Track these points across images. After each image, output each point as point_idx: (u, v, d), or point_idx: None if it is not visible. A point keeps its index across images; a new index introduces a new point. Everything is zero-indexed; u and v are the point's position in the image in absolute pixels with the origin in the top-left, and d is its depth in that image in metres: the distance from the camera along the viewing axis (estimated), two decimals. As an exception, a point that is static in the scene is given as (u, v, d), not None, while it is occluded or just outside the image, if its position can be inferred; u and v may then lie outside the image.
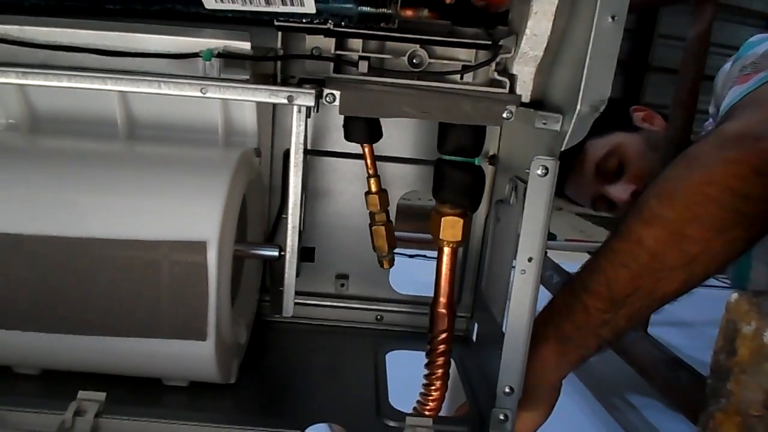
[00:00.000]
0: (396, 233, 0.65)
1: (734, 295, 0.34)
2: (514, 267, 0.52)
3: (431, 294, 0.59)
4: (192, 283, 0.45)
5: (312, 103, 0.46)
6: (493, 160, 0.68)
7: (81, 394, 0.48)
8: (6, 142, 0.52)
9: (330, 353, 0.68)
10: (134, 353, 0.48)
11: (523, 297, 0.49)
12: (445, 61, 0.52)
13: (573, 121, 0.45)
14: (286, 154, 0.69)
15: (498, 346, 0.60)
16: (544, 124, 0.46)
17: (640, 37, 5.15)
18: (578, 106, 0.44)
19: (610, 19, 0.42)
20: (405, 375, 0.66)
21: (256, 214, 0.61)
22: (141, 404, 0.50)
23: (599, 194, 1.04)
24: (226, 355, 0.52)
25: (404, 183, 0.70)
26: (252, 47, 0.50)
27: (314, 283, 0.72)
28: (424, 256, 1.56)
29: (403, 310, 0.73)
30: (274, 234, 0.69)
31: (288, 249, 0.51)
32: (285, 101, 0.45)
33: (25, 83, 0.45)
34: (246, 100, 0.45)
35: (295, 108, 0.47)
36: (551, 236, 1.70)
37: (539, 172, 0.47)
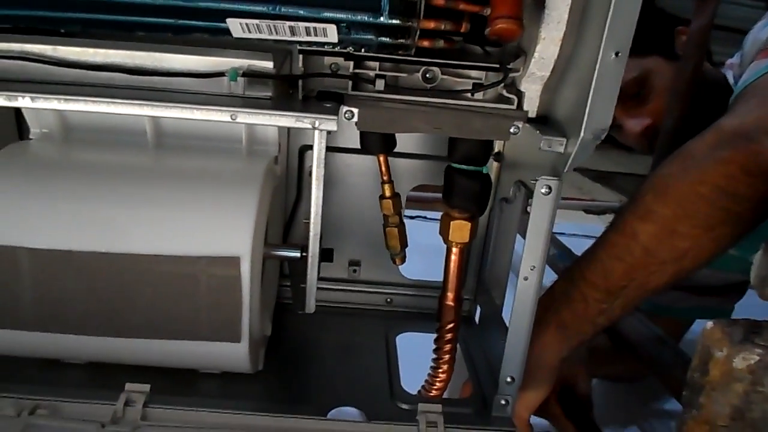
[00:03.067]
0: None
1: (709, 324, 0.39)
2: (514, 262, 0.56)
3: (438, 277, 0.64)
4: (227, 293, 0.49)
5: (335, 128, 0.49)
6: (498, 157, 0.71)
7: (128, 386, 0.53)
8: (46, 156, 0.55)
9: (344, 334, 0.73)
10: (175, 352, 0.53)
11: (526, 300, 0.54)
12: (456, 79, 0.55)
13: (576, 146, 0.48)
14: (302, 150, 0.73)
15: (497, 328, 0.66)
16: (549, 147, 0.50)
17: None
18: (581, 134, 0.47)
19: (613, 55, 0.45)
20: (411, 353, 0.73)
21: (276, 215, 0.65)
22: (180, 393, 0.56)
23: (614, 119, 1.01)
24: (256, 349, 0.57)
25: (413, 177, 0.74)
26: (274, 66, 0.53)
27: (329, 270, 0.77)
28: (424, 217, 1.60)
29: (411, 293, 0.79)
30: (290, 227, 0.73)
31: (310, 254, 0.56)
32: (309, 126, 0.49)
33: (66, 109, 0.48)
34: (273, 125, 0.49)
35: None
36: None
37: (543, 191, 0.51)
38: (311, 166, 0.74)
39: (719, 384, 0.38)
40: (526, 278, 0.53)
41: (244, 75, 0.52)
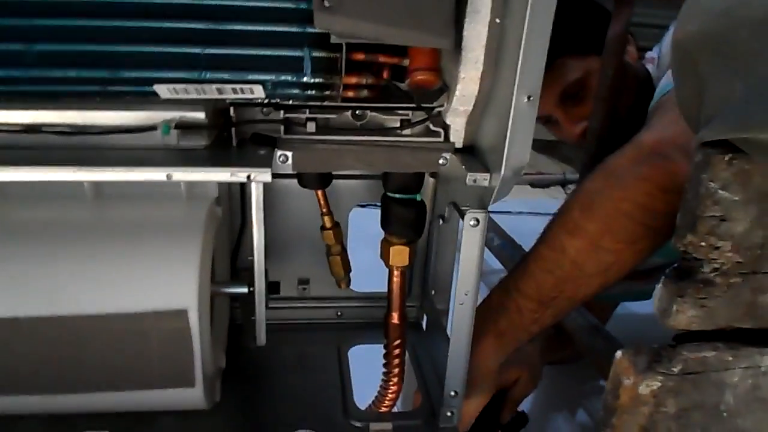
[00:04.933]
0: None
1: (619, 353, 0.43)
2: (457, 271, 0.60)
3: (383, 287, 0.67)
4: (178, 344, 0.51)
5: (269, 179, 0.51)
6: (433, 174, 0.74)
7: (87, 435, 0.55)
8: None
9: (297, 351, 0.76)
10: (132, 400, 0.55)
11: (462, 322, 0.58)
12: (385, 116, 0.58)
13: (499, 182, 0.52)
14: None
15: (442, 335, 0.70)
16: (474, 181, 0.53)
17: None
18: (502, 172, 0.51)
19: (525, 99, 0.49)
20: (363, 364, 0.76)
21: (221, 253, 0.66)
22: (139, 434, 0.58)
23: (553, 117, 0.97)
24: (211, 385, 0.59)
25: (354, 196, 0.76)
26: (206, 117, 0.54)
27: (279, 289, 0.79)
28: (375, 205, 1.62)
29: (360, 305, 0.82)
30: (236, 253, 0.75)
31: (257, 290, 0.58)
32: (245, 180, 0.50)
33: (6, 180, 0.48)
34: (209, 180, 0.50)
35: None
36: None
37: (471, 223, 0.54)
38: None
39: (628, 407, 0.42)
40: (461, 303, 0.57)
41: (176, 127, 0.53)
